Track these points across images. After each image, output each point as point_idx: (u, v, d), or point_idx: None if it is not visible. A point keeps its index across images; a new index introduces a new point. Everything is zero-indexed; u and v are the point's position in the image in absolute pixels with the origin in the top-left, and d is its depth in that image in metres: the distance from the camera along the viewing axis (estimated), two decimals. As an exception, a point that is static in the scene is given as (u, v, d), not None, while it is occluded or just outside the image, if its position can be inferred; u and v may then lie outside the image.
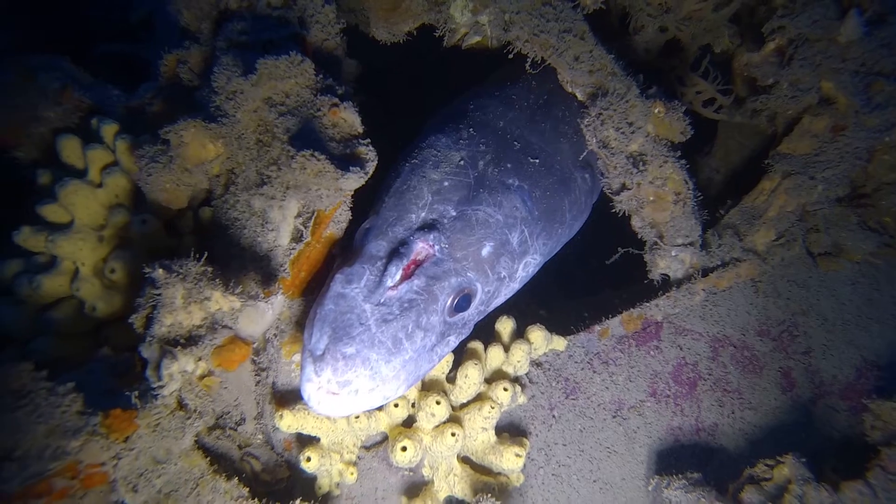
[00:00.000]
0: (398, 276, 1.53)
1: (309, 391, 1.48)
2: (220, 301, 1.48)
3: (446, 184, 1.73)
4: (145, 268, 1.42)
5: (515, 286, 1.89)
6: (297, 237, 1.70)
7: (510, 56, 2.10)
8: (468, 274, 1.65)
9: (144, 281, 1.44)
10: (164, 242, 1.89)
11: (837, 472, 1.73)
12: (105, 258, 1.77)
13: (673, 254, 2.16)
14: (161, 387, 1.32)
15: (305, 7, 1.61)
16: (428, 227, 1.64)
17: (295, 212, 1.66)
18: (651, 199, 2.05)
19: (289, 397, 1.93)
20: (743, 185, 2.56)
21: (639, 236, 2.22)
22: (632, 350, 2.15)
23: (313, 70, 1.48)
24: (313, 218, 1.67)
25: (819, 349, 2.18)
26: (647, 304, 2.15)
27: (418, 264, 1.57)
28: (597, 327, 2.15)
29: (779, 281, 2.23)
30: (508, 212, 1.78)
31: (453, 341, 1.70)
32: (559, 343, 2.09)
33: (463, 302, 1.64)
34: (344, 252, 1.83)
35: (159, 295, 1.37)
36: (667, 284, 2.21)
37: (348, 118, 1.48)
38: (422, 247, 1.60)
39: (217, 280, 1.48)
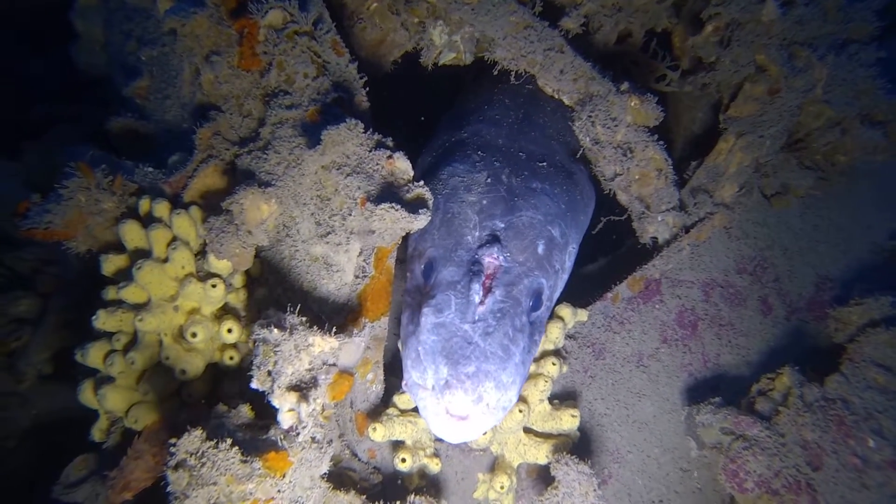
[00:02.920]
0: (481, 292, 1.81)
1: (439, 423, 1.68)
2: (321, 344, 1.79)
3: (485, 202, 2.03)
4: (257, 329, 1.71)
5: (565, 277, 2.28)
6: (360, 274, 2.02)
7: (495, 72, 2.47)
8: (535, 272, 1.94)
9: (256, 340, 1.73)
10: (224, 299, 2.15)
11: (816, 371, 2.32)
12: (182, 325, 2.02)
13: (659, 219, 2.65)
14: (304, 427, 1.64)
15: (335, 71, 1.89)
16: (487, 243, 1.92)
17: (357, 252, 1.98)
18: (637, 177, 2.52)
19: (367, 414, 2.27)
20: (693, 140, 3.12)
21: (627, 210, 2.70)
22: (640, 308, 2.65)
23: (362, 129, 1.80)
24: (374, 254, 2.00)
25: (785, 275, 2.78)
26: (646, 266, 2.65)
27: (491, 277, 1.86)
28: (609, 294, 2.63)
29: (745, 224, 2.80)
30: (545, 210, 2.09)
31: (538, 339, 2.04)
32: (583, 315, 2.55)
33: (536, 301, 1.96)
34: (399, 280, 2.16)
35: (279, 350, 1.68)
36: (657, 246, 2.71)
37: (401, 166, 1.81)
38: (489, 261, 1.88)
39: (314, 327, 1.79)
